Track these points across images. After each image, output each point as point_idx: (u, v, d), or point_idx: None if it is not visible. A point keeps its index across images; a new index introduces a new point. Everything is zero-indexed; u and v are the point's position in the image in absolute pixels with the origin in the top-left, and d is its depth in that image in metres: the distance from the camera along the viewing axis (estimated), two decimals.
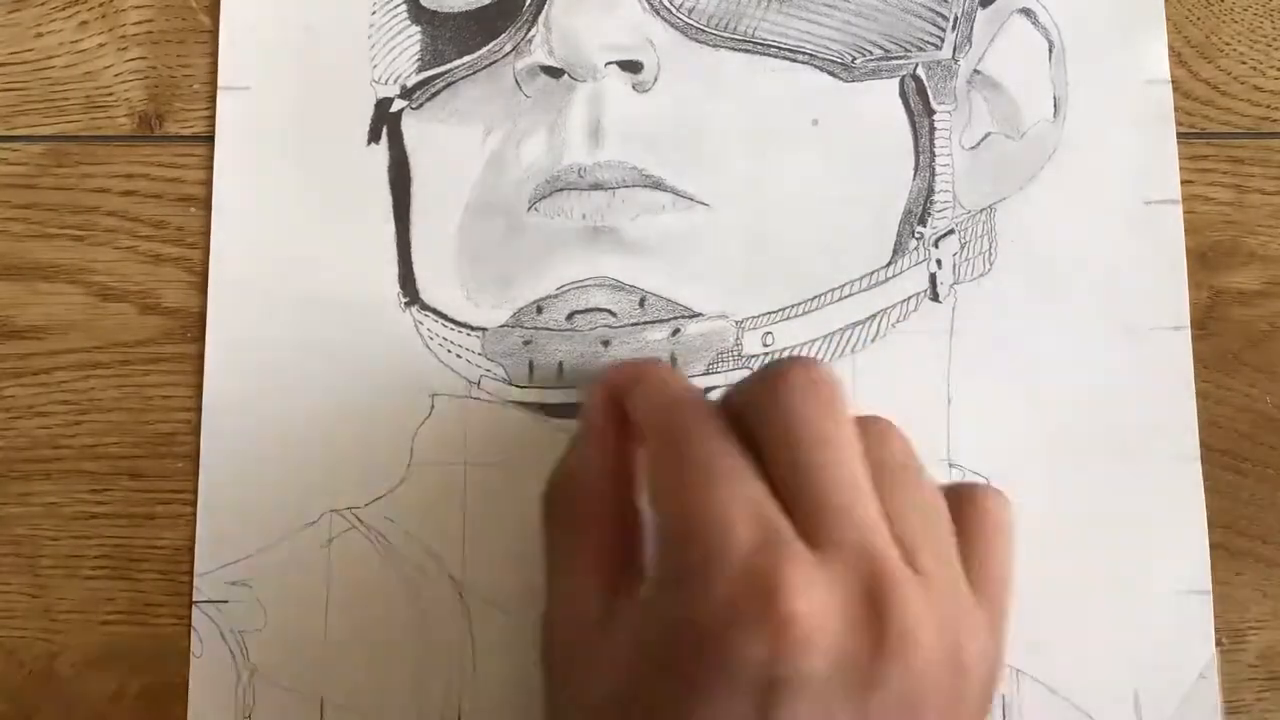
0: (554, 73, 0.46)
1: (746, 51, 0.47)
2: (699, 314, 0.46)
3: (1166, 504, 0.46)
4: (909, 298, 0.47)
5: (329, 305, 0.47)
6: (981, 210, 0.48)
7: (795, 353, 0.47)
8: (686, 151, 0.47)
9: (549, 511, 0.40)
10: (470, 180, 0.47)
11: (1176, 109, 0.48)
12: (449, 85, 0.48)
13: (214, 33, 0.49)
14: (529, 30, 0.47)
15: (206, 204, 0.48)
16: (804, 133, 0.47)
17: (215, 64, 0.49)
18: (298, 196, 0.48)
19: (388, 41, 0.48)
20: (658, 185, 0.46)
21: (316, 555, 0.46)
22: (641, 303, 0.46)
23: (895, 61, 0.47)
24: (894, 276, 0.47)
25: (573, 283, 0.46)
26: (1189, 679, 0.45)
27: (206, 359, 0.47)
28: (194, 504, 0.46)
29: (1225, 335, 0.47)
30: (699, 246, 0.47)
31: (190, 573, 0.46)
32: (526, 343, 0.46)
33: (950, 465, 0.46)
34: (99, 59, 0.49)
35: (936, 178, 0.47)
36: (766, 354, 0.46)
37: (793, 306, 0.47)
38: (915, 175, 0.47)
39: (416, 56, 0.48)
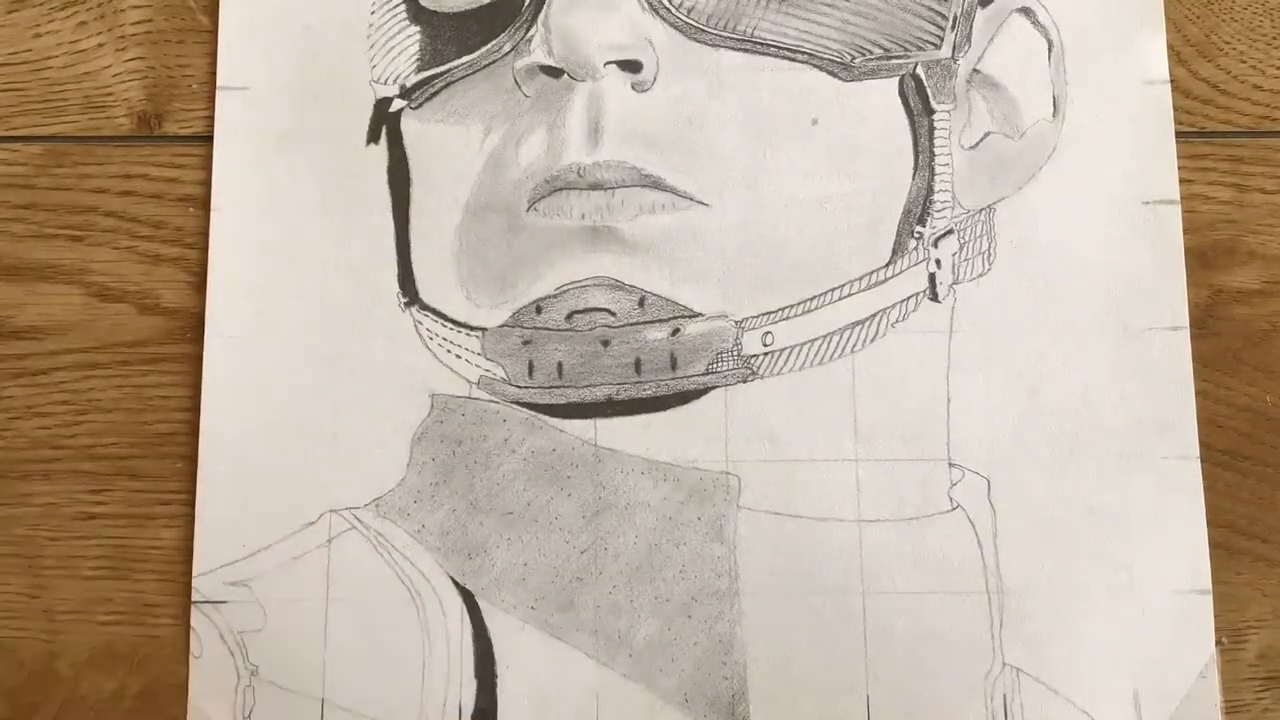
0: (553, 72, 0.46)
1: (746, 51, 0.47)
2: (699, 314, 0.46)
3: (1166, 504, 0.46)
4: (908, 298, 0.47)
5: (329, 305, 0.47)
6: (981, 210, 0.48)
7: (795, 352, 0.46)
8: (686, 151, 0.47)
9: None
10: (469, 180, 0.47)
11: (1176, 108, 0.48)
12: (448, 85, 0.47)
13: (213, 33, 0.49)
14: (528, 30, 0.47)
15: (205, 204, 0.48)
16: (803, 132, 0.47)
17: (214, 64, 0.49)
18: (297, 196, 0.48)
19: (387, 41, 0.48)
20: (657, 185, 0.46)
21: (316, 555, 0.46)
22: (641, 302, 0.46)
23: (895, 61, 0.47)
24: (893, 276, 0.47)
25: (572, 283, 0.46)
26: (1189, 679, 0.45)
27: (205, 359, 0.47)
28: (193, 504, 0.46)
29: (1225, 335, 0.47)
30: (699, 246, 0.47)
31: (189, 573, 0.46)
32: (526, 343, 0.46)
33: (950, 465, 0.46)
34: (98, 59, 0.49)
35: (936, 177, 0.47)
36: (766, 354, 0.46)
37: (792, 306, 0.46)
38: (915, 175, 0.47)
39: (416, 56, 0.48)
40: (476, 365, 0.46)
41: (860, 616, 0.45)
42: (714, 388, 0.46)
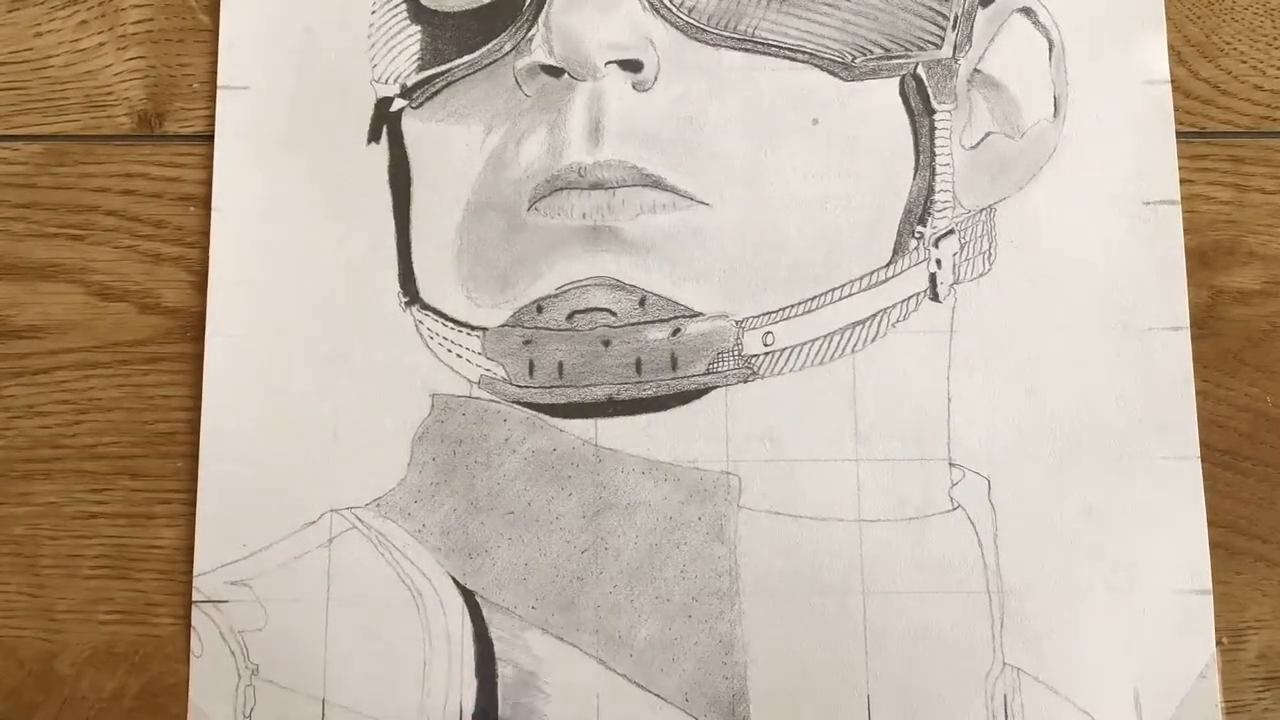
0: (554, 72, 0.46)
1: (746, 51, 0.47)
2: (699, 313, 0.46)
3: (1166, 504, 0.46)
4: (909, 298, 0.47)
5: (329, 305, 0.47)
6: (981, 210, 0.48)
7: (795, 352, 0.46)
8: (686, 151, 0.47)
9: None
10: (470, 180, 0.47)
11: (1177, 108, 0.48)
12: (449, 85, 0.47)
13: (214, 32, 0.49)
14: (529, 29, 0.47)
15: (206, 203, 0.48)
16: (804, 132, 0.47)
17: (215, 64, 0.49)
18: (297, 196, 0.48)
19: (387, 41, 0.48)
20: (658, 184, 0.46)
21: (317, 555, 0.46)
22: (642, 302, 0.46)
23: (895, 61, 0.47)
24: (894, 276, 0.47)
25: (573, 282, 0.46)
26: (1189, 679, 0.45)
27: (206, 359, 0.47)
28: (193, 504, 0.46)
29: (1225, 335, 0.47)
30: (699, 246, 0.47)
31: (190, 573, 0.46)
32: (526, 342, 0.46)
33: (950, 464, 0.46)
34: (98, 58, 0.49)
35: (936, 177, 0.47)
36: (767, 353, 0.46)
37: (793, 306, 0.46)
38: (915, 175, 0.47)
39: (416, 56, 0.48)
40: (477, 365, 0.46)
41: (860, 616, 0.45)
42: (714, 388, 0.46)
